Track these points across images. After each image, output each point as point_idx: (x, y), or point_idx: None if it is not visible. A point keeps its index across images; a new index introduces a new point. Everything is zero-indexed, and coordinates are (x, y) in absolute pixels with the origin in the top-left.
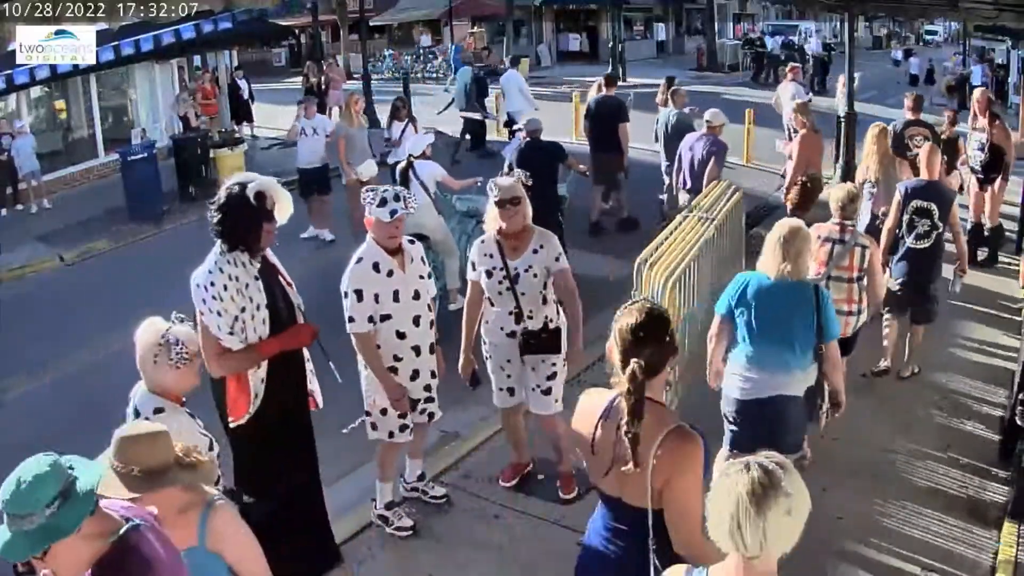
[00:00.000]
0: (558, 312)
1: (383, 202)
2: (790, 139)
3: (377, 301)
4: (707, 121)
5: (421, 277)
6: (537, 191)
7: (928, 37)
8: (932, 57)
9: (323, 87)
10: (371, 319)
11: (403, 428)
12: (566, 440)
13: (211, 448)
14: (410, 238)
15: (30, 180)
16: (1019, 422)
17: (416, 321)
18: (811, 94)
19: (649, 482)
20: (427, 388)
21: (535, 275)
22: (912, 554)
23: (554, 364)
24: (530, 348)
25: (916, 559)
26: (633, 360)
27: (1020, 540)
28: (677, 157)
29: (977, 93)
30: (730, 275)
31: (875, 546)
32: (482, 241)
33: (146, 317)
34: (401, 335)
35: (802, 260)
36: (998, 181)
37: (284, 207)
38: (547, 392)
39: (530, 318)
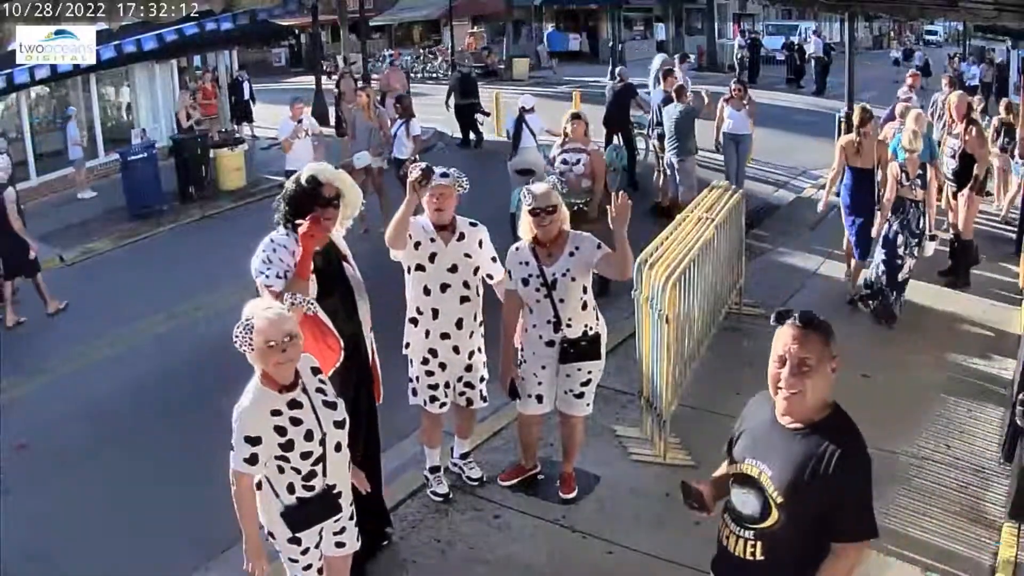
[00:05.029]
0: (597, 319)
1: (432, 176)
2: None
3: (417, 249)
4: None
5: (468, 256)
6: (619, 116)
7: (928, 37)
8: (927, 53)
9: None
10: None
11: (432, 399)
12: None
13: (309, 437)
14: (473, 221)
15: (79, 168)
16: (1019, 422)
17: (443, 288)
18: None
19: (875, 155)
20: (455, 350)
21: (573, 278)
22: (912, 554)
23: (590, 372)
24: (569, 357)
25: (916, 559)
26: (856, 116)
27: (1020, 540)
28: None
29: (954, 97)
30: (730, 275)
31: (875, 546)
32: (516, 248)
33: (146, 317)
34: (427, 291)
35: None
36: (966, 193)
37: (350, 200)
38: (580, 396)
39: (569, 326)
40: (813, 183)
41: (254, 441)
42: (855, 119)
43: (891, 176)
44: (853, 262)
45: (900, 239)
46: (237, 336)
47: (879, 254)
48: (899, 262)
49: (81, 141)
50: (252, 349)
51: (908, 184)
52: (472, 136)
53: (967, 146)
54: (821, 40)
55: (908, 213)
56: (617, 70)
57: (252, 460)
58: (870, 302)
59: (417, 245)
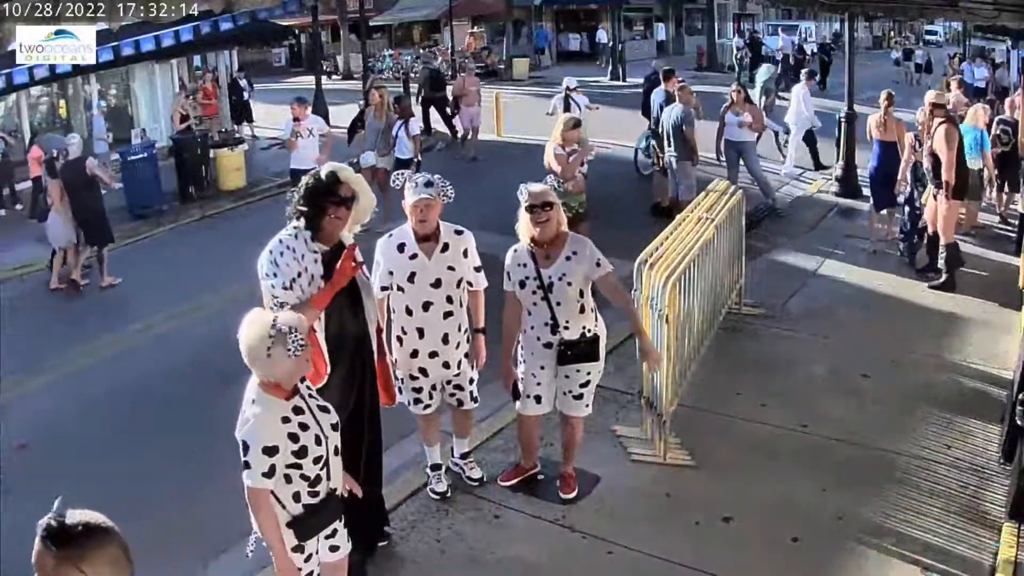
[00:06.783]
0: (596, 321)
1: (415, 186)
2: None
3: (391, 274)
4: None
5: (451, 268)
6: (647, 104)
7: (928, 37)
8: (929, 52)
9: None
10: (385, 288)
11: (416, 402)
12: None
13: (318, 442)
14: (459, 229)
15: (104, 161)
16: (1019, 422)
17: (426, 307)
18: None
19: (896, 135)
20: (444, 366)
21: (569, 283)
22: (912, 554)
23: (589, 373)
24: (567, 359)
25: (916, 559)
26: (883, 99)
27: (1020, 540)
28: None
29: (929, 95)
30: (730, 274)
31: (875, 546)
32: (515, 250)
33: (146, 317)
34: (408, 311)
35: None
36: (941, 193)
37: (364, 204)
38: (579, 397)
39: (566, 328)
40: (816, 180)
41: (272, 451)
42: (883, 101)
43: (907, 143)
44: (875, 226)
45: (916, 194)
46: (292, 343)
47: (905, 211)
48: (919, 212)
49: (106, 136)
50: (302, 350)
51: (920, 150)
52: (422, 128)
53: (933, 144)
54: (790, 39)
55: (919, 172)
56: (653, 63)
57: (270, 473)
58: (901, 245)
59: (391, 272)
